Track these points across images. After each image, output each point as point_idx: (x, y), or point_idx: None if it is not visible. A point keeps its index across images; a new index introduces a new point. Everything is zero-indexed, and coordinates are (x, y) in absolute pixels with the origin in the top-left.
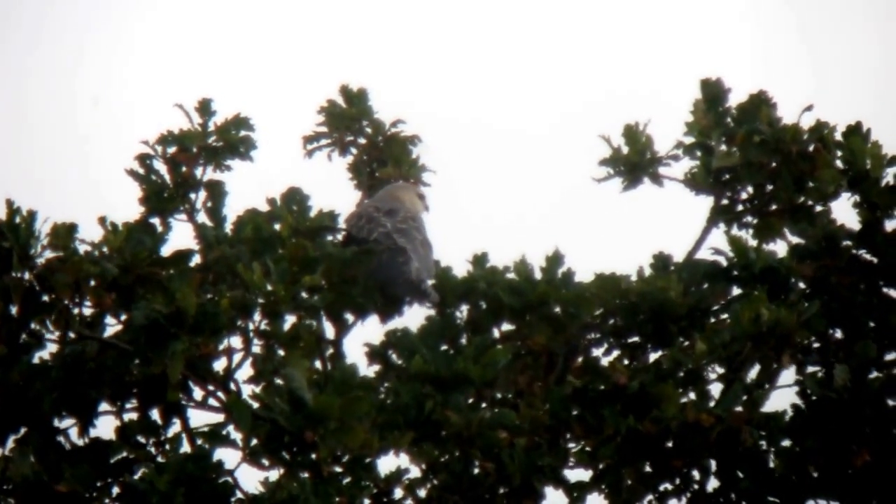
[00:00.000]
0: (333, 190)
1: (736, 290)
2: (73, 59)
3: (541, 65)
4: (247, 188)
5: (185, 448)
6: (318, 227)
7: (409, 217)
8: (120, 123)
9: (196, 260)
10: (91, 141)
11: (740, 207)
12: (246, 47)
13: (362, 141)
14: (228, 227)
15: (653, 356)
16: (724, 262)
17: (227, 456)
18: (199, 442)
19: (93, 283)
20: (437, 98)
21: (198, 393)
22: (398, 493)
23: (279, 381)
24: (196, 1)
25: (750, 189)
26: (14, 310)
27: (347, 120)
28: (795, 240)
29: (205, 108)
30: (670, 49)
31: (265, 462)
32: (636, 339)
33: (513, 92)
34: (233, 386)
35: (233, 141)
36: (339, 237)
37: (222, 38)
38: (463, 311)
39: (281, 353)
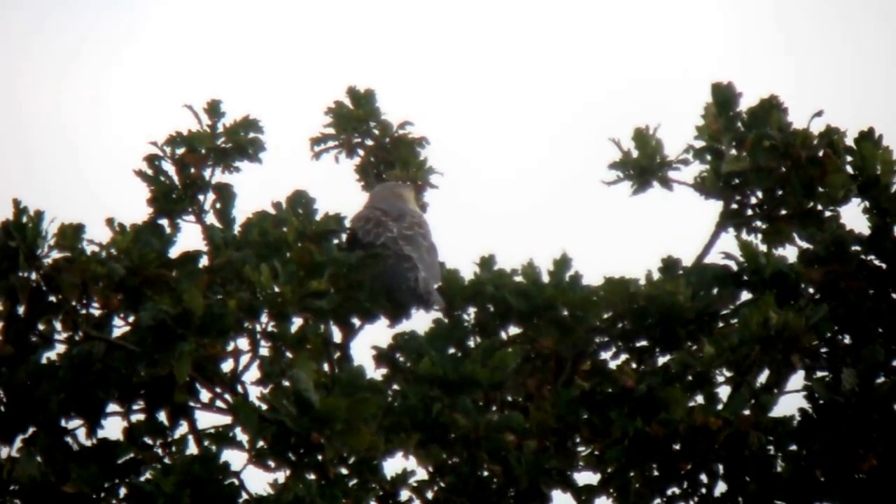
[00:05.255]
0: (341, 192)
1: (745, 295)
2: (72, 57)
3: (543, 66)
4: (254, 190)
5: (192, 449)
6: (325, 230)
7: (415, 223)
8: (121, 123)
9: (204, 262)
10: (91, 140)
11: (750, 212)
12: (252, 47)
13: (370, 143)
14: (237, 229)
15: (661, 360)
16: (733, 267)
17: (234, 458)
18: (206, 443)
19: (100, 283)
20: (440, 98)
21: (205, 395)
22: (404, 494)
23: (286, 383)
24: (201, 0)
25: (759, 193)
26: (21, 310)
27: (355, 121)
28: (804, 245)
29: (214, 109)
30: (668, 48)
31: (271, 464)
32: (644, 342)
33: (519, 92)
34: (240, 388)
35: (242, 142)
36: (344, 237)
37: (228, 38)
38: (470, 314)
39: (288, 355)
